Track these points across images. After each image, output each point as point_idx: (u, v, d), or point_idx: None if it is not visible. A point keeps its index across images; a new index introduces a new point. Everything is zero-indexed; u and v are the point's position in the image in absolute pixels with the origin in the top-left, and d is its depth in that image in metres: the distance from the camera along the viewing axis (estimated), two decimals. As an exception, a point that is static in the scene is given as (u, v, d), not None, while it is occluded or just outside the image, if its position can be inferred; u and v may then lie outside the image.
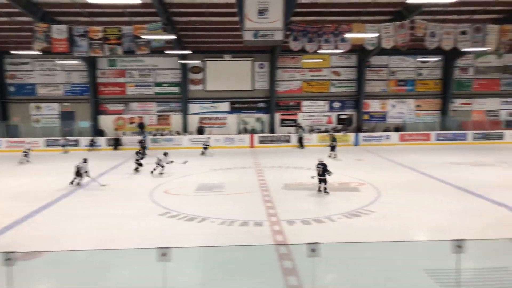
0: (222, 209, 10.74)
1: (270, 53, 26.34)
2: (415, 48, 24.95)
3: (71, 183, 13.91)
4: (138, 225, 9.53)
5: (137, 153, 17.20)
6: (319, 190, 12.41)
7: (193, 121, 27.15)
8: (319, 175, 12.36)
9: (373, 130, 26.43)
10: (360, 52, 25.43)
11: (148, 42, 17.54)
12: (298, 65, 26.97)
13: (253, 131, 26.85)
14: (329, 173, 12.36)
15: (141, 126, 27.00)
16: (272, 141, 25.57)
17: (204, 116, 27.32)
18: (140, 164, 16.68)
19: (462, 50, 18.93)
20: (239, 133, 26.92)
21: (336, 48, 18.25)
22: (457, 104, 27.24)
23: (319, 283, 6.08)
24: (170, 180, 14.72)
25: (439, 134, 25.44)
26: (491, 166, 16.90)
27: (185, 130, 26.91)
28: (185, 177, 15.36)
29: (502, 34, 17.58)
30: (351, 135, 25.41)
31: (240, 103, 27.31)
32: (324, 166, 12.31)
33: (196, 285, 6.47)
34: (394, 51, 24.38)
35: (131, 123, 27.20)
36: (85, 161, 14.17)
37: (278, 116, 27.30)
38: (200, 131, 26.73)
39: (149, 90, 27.11)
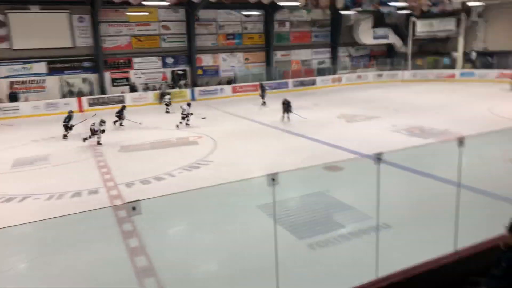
0: (48, 183, 9.60)
1: (90, 5, 23.56)
2: (240, 2, 26.08)
3: None
4: None
5: None
6: None
7: (1, 87, 22.81)
8: None
9: (207, 84, 27.05)
10: (187, 5, 25.05)
11: None
12: (123, 18, 24.97)
13: (80, 94, 24.23)
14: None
15: None
16: (104, 103, 23.66)
17: (15, 80, 23.17)
18: None
19: (278, 3, 20.51)
20: (63, 96, 23.94)
21: (161, 0, 17.51)
22: (278, 56, 29.95)
23: (159, 241, 6.16)
24: (-24, 160, 12.31)
25: (266, 84, 27.73)
26: (307, 109, 19.47)
27: (-9, 98, 22.46)
28: (-3, 153, 13.06)
29: (309, -10, 19.70)
30: (187, 91, 25.52)
31: (60, 63, 24.01)
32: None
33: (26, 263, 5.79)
34: (220, 4, 24.88)
35: None
36: None
37: (108, 75, 25.20)
38: (13, 97, 22.72)
39: None
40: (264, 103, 21.46)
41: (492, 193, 7.20)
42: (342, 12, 28.57)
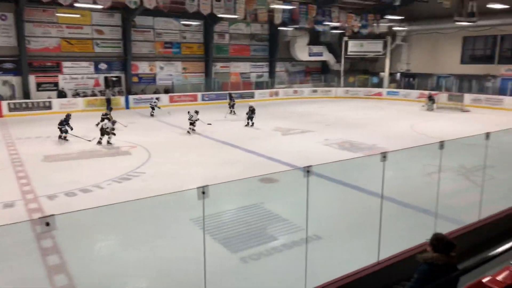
0: (-45, 196, 8.58)
1: (14, 2, 21.82)
2: (179, 11, 25.78)
3: None
4: None
5: None
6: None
7: None
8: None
9: (143, 92, 26.22)
10: (123, 10, 24.25)
11: None
12: (53, 19, 23.46)
13: (-1, 97, 22.22)
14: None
15: None
16: (28, 108, 21.90)
17: None
18: None
19: (218, 16, 20.63)
20: (-21, 100, 21.77)
21: (94, 3, 16.76)
22: (218, 67, 29.99)
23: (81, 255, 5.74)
24: None
25: (205, 95, 27.59)
26: (244, 121, 19.65)
27: None
28: None
29: (248, 4, 20.06)
30: (121, 98, 24.52)
31: (-24, 63, 21.90)
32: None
33: None
34: (159, 12, 24.43)
35: None
36: None
37: (33, 79, 23.40)
38: None
39: None
40: (233, 112, 21.79)
41: (413, 205, 7.72)
42: (280, 28, 29.48)
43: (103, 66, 25.43)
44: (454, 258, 3.31)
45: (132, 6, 17.85)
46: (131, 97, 24.88)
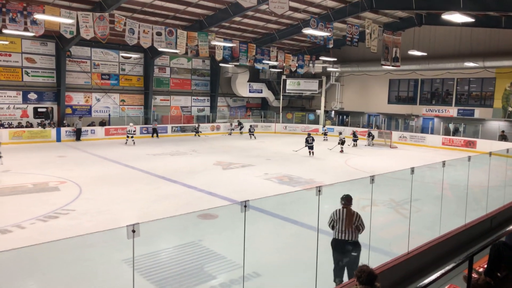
0: None
1: None
2: (119, 43, 25.38)
3: None
4: None
5: None
6: None
7: None
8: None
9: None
10: (57, 39, 23.33)
11: None
12: (-24, 45, 21.90)
13: None
14: None
15: None
16: None
17: None
18: None
19: (159, 49, 20.57)
20: None
21: (26, 30, 15.94)
22: (158, 100, 29.59)
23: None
24: None
25: (143, 128, 26.90)
26: (185, 155, 19.36)
27: None
28: None
29: (189, 39, 20.30)
30: (52, 130, 23.07)
31: None
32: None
33: None
34: (97, 43, 23.89)
35: None
36: None
37: None
38: None
39: None
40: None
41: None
42: (221, 64, 30.09)
43: (32, 96, 23.92)
44: (379, 289, 3.42)
45: (68, 35, 17.20)
46: (63, 129, 23.52)
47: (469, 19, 14.06)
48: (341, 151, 21.61)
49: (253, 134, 28.13)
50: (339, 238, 5.74)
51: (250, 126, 29.02)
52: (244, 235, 3.90)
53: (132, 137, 23.05)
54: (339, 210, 5.84)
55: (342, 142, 22.23)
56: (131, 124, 24.30)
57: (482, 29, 23.25)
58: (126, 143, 22.60)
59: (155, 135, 26.88)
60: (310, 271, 6.22)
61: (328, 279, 6.23)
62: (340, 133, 23.87)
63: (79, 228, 8.50)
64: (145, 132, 26.82)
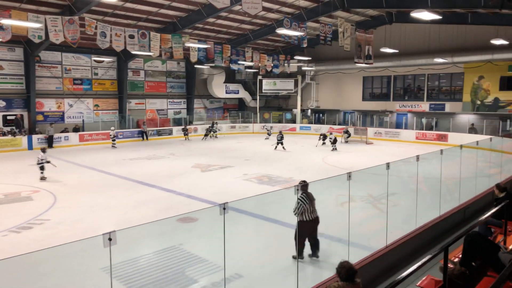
0: None
1: None
2: (90, 47, 24.82)
3: None
4: None
5: None
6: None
7: None
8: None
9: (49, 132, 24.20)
10: (26, 44, 22.62)
11: None
12: None
13: None
14: None
15: None
16: None
17: None
18: None
19: (132, 53, 20.25)
20: None
21: (-9, 35, 15.41)
22: (132, 104, 29.11)
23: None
24: None
25: (119, 133, 26.40)
26: (162, 158, 19.13)
27: None
28: None
29: (163, 42, 20.08)
30: (23, 138, 22.35)
31: None
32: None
33: None
34: (68, 48, 23.31)
35: None
36: None
37: None
38: None
39: None
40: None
41: (328, 235, 8.02)
42: (196, 66, 29.88)
43: (1, 103, 23.11)
44: (359, 284, 3.48)
45: (36, 40, 16.70)
46: (34, 136, 22.82)
47: (437, 17, 14.49)
48: (334, 149, 21.82)
49: (281, 143, 22.69)
50: (310, 218, 6.57)
51: (280, 132, 24.27)
52: (224, 237, 3.89)
53: (114, 140, 23.53)
54: (304, 196, 6.50)
55: (323, 137, 22.79)
56: (112, 128, 24.19)
57: (450, 25, 23.99)
58: (116, 146, 23.56)
59: (145, 137, 27.10)
60: (291, 269, 6.26)
61: (310, 277, 6.29)
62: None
63: (55, 238, 8.26)
64: (121, 136, 26.31)
